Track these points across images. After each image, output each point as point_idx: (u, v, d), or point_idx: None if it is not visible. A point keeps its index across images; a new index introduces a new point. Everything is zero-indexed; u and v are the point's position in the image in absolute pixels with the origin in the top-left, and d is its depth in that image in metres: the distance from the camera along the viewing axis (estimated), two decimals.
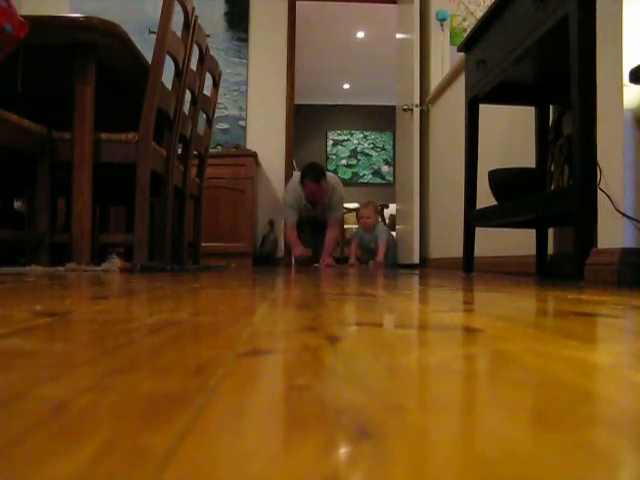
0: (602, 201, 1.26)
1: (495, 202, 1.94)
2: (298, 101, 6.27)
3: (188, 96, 2.47)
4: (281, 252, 4.65)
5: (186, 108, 2.43)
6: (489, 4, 1.97)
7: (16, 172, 2.14)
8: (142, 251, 1.90)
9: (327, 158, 8.55)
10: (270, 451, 0.15)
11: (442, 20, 3.73)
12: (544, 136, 2.01)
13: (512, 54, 1.70)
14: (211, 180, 3.91)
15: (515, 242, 2.34)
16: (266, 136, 4.70)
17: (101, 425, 0.17)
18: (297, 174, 3.89)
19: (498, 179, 1.92)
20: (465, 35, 2.26)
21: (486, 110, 2.23)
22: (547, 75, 1.82)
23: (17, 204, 2.65)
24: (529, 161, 2.11)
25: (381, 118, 8.49)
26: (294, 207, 3.82)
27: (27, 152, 1.76)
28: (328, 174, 3.84)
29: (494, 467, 0.14)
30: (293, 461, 0.14)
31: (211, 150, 3.83)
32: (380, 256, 3.92)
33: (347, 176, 8.43)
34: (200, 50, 2.58)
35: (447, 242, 3.35)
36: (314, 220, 3.98)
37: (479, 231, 2.18)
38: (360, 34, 6.65)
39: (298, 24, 4.92)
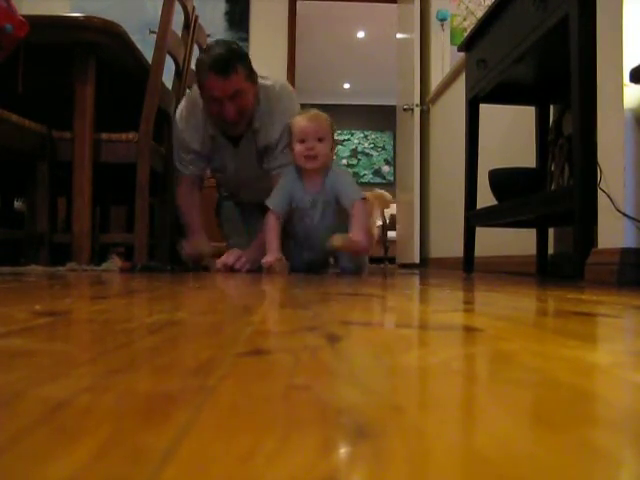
0: (602, 201, 1.26)
1: (495, 202, 1.94)
2: (298, 101, 6.26)
3: None
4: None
5: None
6: (489, 4, 1.97)
7: (16, 172, 2.14)
8: (142, 251, 1.90)
9: None
10: (269, 451, 0.15)
11: (442, 20, 3.73)
12: (544, 136, 2.01)
13: (512, 54, 1.70)
14: (212, 180, 3.89)
15: (515, 242, 2.34)
16: None
17: (100, 425, 0.17)
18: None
19: (498, 179, 1.92)
20: (465, 35, 2.26)
21: (486, 110, 2.23)
22: (547, 75, 1.82)
23: (17, 204, 2.65)
24: (529, 161, 2.11)
25: (381, 118, 8.48)
26: (196, 150, 1.93)
27: (27, 152, 1.76)
28: (271, 78, 1.95)
29: (493, 467, 0.14)
30: (292, 461, 0.14)
31: None
32: (358, 236, 1.72)
33: None
34: (200, 50, 2.58)
35: (447, 242, 3.35)
36: (253, 193, 2.04)
37: (479, 231, 2.18)
38: (360, 34, 6.65)
39: (298, 24, 4.91)
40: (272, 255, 1.71)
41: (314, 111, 1.83)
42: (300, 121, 1.79)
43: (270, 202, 1.82)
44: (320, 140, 1.76)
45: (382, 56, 6.92)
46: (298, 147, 1.76)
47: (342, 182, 1.83)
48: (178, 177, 2.03)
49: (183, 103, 1.95)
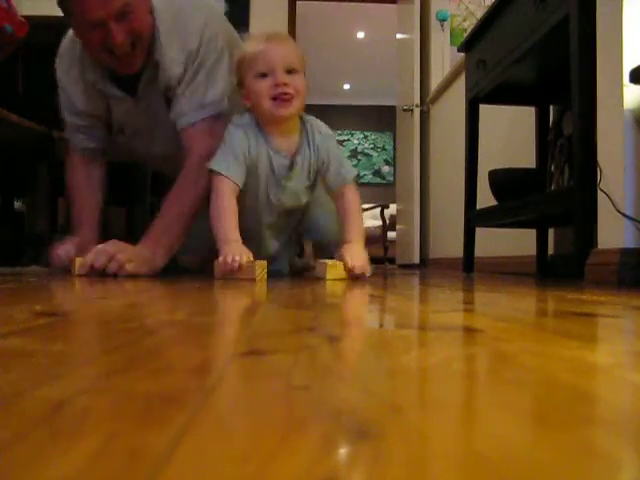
0: (602, 201, 1.26)
1: (495, 202, 1.94)
2: None
3: None
4: None
5: None
6: (489, 4, 1.97)
7: (16, 172, 2.14)
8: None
9: None
10: (268, 451, 0.15)
11: (442, 20, 3.73)
12: (544, 136, 2.01)
13: (512, 54, 1.70)
14: None
15: (515, 242, 2.34)
16: None
17: (100, 425, 0.17)
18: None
19: (498, 179, 1.92)
20: (465, 35, 2.26)
21: (486, 110, 2.23)
22: (547, 75, 1.82)
23: (17, 204, 2.65)
24: (529, 161, 2.11)
25: (381, 118, 8.48)
26: (82, 111, 1.45)
27: (27, 152, 1.76)
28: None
29: (493, 467, 0.14)
30: (291, 461, 0.14)
31: None
32: (356, 255, 1.19)
33: None
34: None
35: (447, 242, 3.35)
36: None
37: (479, 231, 2.18)
38: (360, 34, 6.65)
39: (298, 24, 4.91)
40: (237, 249, 1.11)
41: (272, 31, 1.25)
42: (255, 45, 1.20)
43: (217, 164, 1.19)
44: (291, 72, 1.17)
45: (382, 56, 6.92)
46: (259, 85, 1.16)
47: (328, 146, 1.29)
48: (68, 147, 1.50)
49: (61, 50, 1.46)
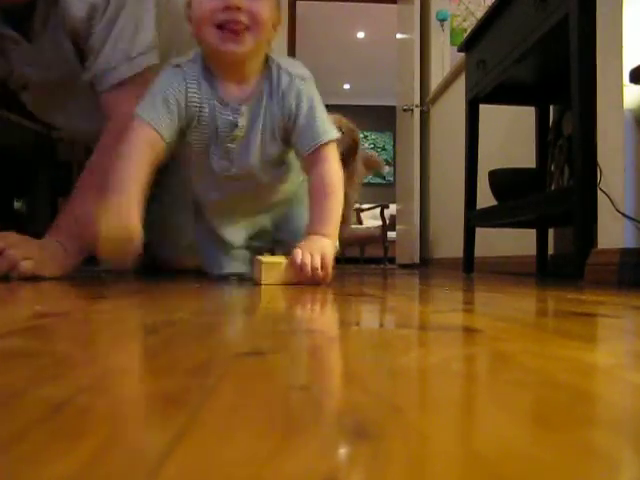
0: (602, 201, 1.26)
1: (495, 202, 1.94)
2: None
3: None
4: None
5: None
6: (489, 4, 1.97)
7: (16, 172, 2.14)
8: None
9: None
10: (268, 451, 0.15)
11: (442, 20, 3.73)
12: (544, 136, 2.01)
13: (512, 54, 1.70)
14: None
15: (515, 242, 2.34)
16: None
17: (100, 425, 0.17)
18: None
19: (498, 179, 1.92)
20: (465, 35, 2.26)
21: (486, 110, 2.23)
22: (547, 75, 1.82)
23: (17, 204, 2.65)
24: (529, 161, 2.11)
25: (381, 118, 8.47)
26: None
27: (27, 152, 1.76)
28: None
29: (493, 467, 0.14)
30: (291, 461, 0.14)
31: None
32: (308, 251, 0.88)
33: None
34: None
35: (447, 242, 3.35)
36: None
37: (479, 231, 2.18)
38: (360, 34, 6.65)
39: (298, 24, 4.91)
40: (114, 208, 0.80)
41: None
42: None
43: (141, 108, 0.92)
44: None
45: (382, 56, 6.92)
46: (202, 5, 0.88)
47: (299, 91, 0.98)
48: None
49: None
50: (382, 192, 8.18)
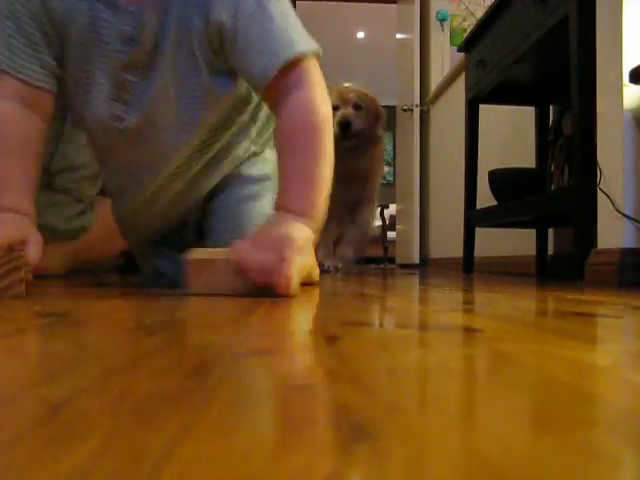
0: (602, 201, 1.26)
1: (495, 202, 1.94)
2: None
3: None
4: None
5: None
6: (489, 4, 1.97)
7: None
8: None
9: None
10: (267, 451, 0.15)
11: (442, 20, 3.73)
12: (544, 136, 2.01)
13: (512, 54, 1.70)
14: None
15: (515, 242, 2.34)
16: None
17: (100, 425, 0.17)
18: None
19: (498, 179, 1.92)
20: (465, 35, 2.26)
21: (486, 110, 2.23)
22: (547, 75, 1.82)
23: None
24: (529, 161, 2.11)
25: None
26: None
27: None
28: None
29: (493, 468, 0.14)
30: (291, 461, 0.14)
31: None
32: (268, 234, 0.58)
33: None
34: None
35: (447, 242, 3.35)
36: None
37: (479, 231, 2.18)
38: (360, 34, 6.65)
39: None
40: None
41: None
42: None
43: None
44: None
45: (382, 56, 6.92)
46: None
47: None
48: None
49: None
50: (382, 192, 8.15)
